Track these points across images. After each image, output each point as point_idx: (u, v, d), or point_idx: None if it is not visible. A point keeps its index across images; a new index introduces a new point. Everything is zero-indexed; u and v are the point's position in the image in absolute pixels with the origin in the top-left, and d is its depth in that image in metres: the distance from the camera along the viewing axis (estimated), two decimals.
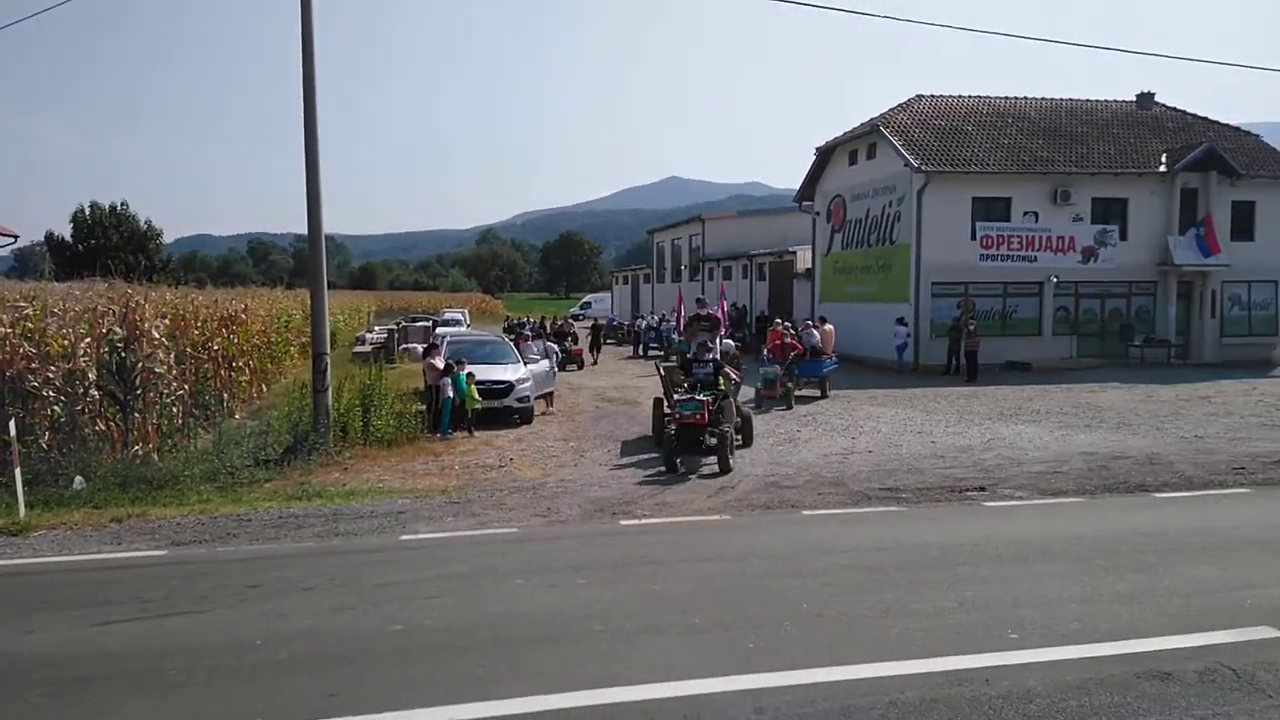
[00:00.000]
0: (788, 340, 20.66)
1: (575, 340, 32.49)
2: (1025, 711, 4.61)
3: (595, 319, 46.28)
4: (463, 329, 36.08)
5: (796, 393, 19.43)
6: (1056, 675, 5.06)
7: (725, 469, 12.08)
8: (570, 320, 40.94)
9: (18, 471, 9.76)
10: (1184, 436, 14.54)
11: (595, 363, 32.14)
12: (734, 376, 14.97)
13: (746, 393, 17.88)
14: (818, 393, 20.60)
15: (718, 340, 17.14)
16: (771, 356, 19.95)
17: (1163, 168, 28.11)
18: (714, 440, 12.46)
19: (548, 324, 37.16)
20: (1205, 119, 32.01)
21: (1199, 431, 15.01)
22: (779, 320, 24.99)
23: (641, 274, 65.47)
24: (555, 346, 23.70)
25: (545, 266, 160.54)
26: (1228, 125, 31.93)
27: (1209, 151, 27.74)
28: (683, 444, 12.44)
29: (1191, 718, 4.56)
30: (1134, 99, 32.73)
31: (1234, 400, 19.23)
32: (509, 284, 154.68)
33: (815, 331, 22.37)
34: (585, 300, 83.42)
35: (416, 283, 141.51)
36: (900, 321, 27.05)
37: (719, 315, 19.18)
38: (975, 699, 4.76)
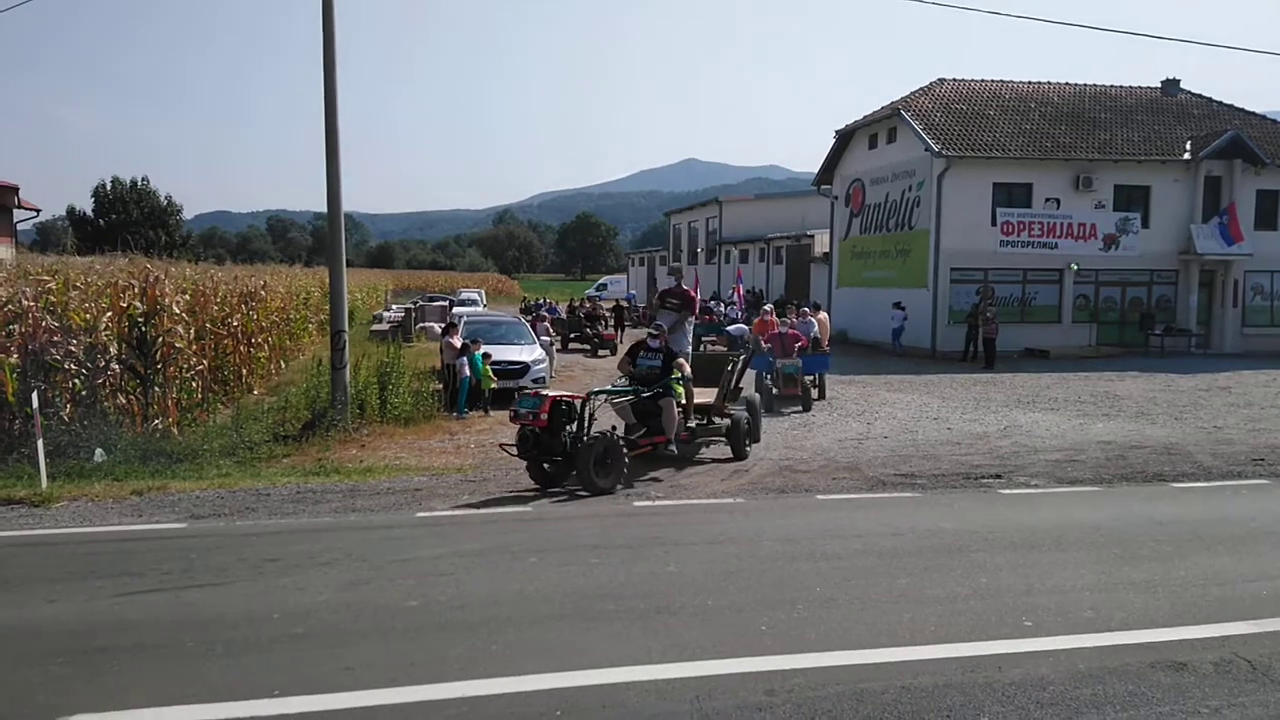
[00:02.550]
0: (787, 331, 17.75)
1: (606, 324, 29.91)
2: (1038, 699, 4.61)
3: (617, 300, 46.03)
4: (479, 309, 35.99)
5: (790, 393, 16.45)
6: (1070, 663, 5.05)
7: (589, 489, 9.64)
8: (598, 302, 38.14)
9: (40, 443, 9.87)
10: (1203, 426, 14.42)
11: (621, 343, 31.77)
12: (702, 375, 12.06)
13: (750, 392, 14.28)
14: (815, 393, 17.36)
15: (688, 324, 15.18)
16: (771, 349, 17.15)
17: (1187, 155, 27.75)
18: (576, 450, 9.79)
19: (578, 307, 33.37)
20: (1231, 106, 31.53)
21: (1218, 422, 14.89)
22: (767, 307, 21.23)
23: (658, 256, 65.41)
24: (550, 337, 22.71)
25: (561, 248, 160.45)
26: (1254, 113, 31.45)
27: (1234, 139, 27.34)
28: (525, 451, 9.93)
29: (1206, 708, 4.54)
30: (1159, 85, 32.31)
31: (1254, 391, 19.05)
32: (525, 265, 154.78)
33: (813, 320, 19.60)
34: (601, 282, 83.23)
35: (433, 262, 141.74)
36: (898, 305, 27.12)
37: (692, 293, 16.20)
38: (988, 685, 4.76)
